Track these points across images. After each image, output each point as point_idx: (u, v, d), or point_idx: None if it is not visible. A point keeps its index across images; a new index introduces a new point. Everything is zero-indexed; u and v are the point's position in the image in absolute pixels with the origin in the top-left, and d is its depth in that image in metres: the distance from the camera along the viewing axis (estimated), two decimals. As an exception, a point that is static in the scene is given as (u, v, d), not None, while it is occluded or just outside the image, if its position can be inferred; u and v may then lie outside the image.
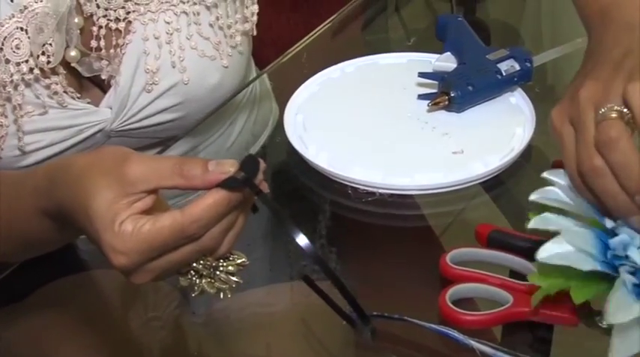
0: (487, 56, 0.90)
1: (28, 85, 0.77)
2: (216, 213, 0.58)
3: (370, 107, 0.91)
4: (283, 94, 0.95)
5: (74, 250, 0.86)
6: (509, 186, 0.85)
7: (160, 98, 0.82)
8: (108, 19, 0.79)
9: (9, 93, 0.76)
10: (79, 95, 0.80)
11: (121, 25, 0.80)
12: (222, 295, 0.63)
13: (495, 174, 0.82)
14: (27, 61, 0.76)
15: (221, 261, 0.63)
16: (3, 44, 0.75)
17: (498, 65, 0.88)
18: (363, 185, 0.81)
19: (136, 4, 0.80)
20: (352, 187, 0.82)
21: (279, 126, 0.90)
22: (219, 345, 0.78)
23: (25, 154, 0.79)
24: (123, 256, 0.58)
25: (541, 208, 0.69)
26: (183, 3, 0.81)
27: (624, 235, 0.64)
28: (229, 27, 0.85)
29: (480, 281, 0.71)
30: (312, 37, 1.06)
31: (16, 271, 0.78)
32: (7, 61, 0.75)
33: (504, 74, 0.88)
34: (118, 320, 0.81)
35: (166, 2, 0.81)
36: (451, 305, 0.68)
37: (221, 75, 0.84)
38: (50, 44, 0.76)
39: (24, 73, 0.76)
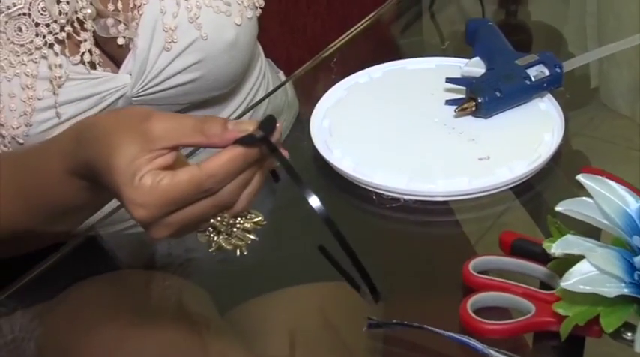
0: (516, 61, 0.88)
1: (60, 43, 0.79)
2: (233, 168, 0.60)
3: (397, 112, 0.90)
4: (312, 98, 0.95)
5: (102, 249, 0.88)
6: (540, 191, 0.83)
7: (180, 57, 0.84)
8: None
9: (45, 54, 0.79)
10: (101, 60, 0.82)
11: None
12: (238, 252, 0.65)
13: (521, 181, 0.81)
14: (56, 21, 0.78)
15: (238, 218, 0.64)
16: (30, 9, 0.78)
17: (527, 70, 0.87)
18: (387, 191, 0.81)
19: None
20: (376, 192, 0.81)
21: (305, 130, 0.90)
22: (242, 343, 0.79)
23: (54, 127, 0.81)
24: (142, 209, 0.60)
25: (555, 231, 0.68)
26: None
27: None
28: None
29: (502, 290, 0.70)
30: (344, 40, 1.06)
31: (45, 272, 0.79)
32: (37, 25, 0.78)
33: (533, 80, 0.87)
34: (145, 318, 0.81)
35: None
36: (472, 314, 0.67)
37: (236, 32, 0.86)
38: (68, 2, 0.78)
39: (56, 33, 0.79)
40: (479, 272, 0.71)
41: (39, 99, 0.80)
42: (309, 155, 0.87)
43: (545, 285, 0.70)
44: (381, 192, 0.81)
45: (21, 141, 0.81)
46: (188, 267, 0.86)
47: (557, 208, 0.66)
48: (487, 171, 0.81)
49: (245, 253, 0.65)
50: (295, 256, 0.84)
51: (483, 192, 0.80)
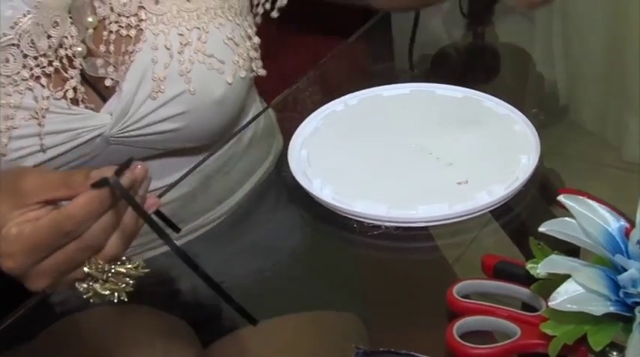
0: None
1: (47, 76, 0.79)
2: (90, 210, 0.61)
3: (374, 139, 0.90)
4: (289, 127, 0.95)
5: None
6: (518, 212, 0.84)
7: (165, 106, 0.83)
8: (119, 26, 0.81)
9: (31, 86, 0.79)
10: (86, 96, 0.82)
11: (132, 32, 0.81)
12: (116, 299, 0.65)
13: (500, 204, 0.82)
14: (45, 55, 0.79)
15: (112, 265, 0.65)
16: (19, 41, 0.78)
17: None
18: (368, 219, 0.81)
19: (148, 12, 0.82)
20: (357, 221, 0.81)
21: (284, 159, 0.90)
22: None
23: (28, 156, 0.81)
24: (9, 259, 0.62)
25: (538, 252, 0.69)
26: (195, 19, 0.83)
27: (633, 270, 0.62)
28: (237, 45, 0.86)
29: (487, 314, 0.70)
30: (318, 69, 1.06)
31: (21, 316, 0.78)
32: (25, 56, 0.78)
33: None
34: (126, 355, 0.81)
35: (179, 17, 0.83)
36: (458, 339, 0.67)
37: (225, 90, 0.86)
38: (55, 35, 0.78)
39: (44, 67, 0.79)
40: (463, 296, 0.71)
41: (14, 128, 0.80)
42: (288, 185, 0.87)
43: (528, 307, 0.71)
44: (362, 220, 0.81)
45: None
46: (170, 300, 0.86)
47: (541, 229, 0.66)
48: (466, 195, 0.81)
49: (125, 299, 0.65)
50: (278, 288, 0.84)
51: (463, 216, 0.80)
